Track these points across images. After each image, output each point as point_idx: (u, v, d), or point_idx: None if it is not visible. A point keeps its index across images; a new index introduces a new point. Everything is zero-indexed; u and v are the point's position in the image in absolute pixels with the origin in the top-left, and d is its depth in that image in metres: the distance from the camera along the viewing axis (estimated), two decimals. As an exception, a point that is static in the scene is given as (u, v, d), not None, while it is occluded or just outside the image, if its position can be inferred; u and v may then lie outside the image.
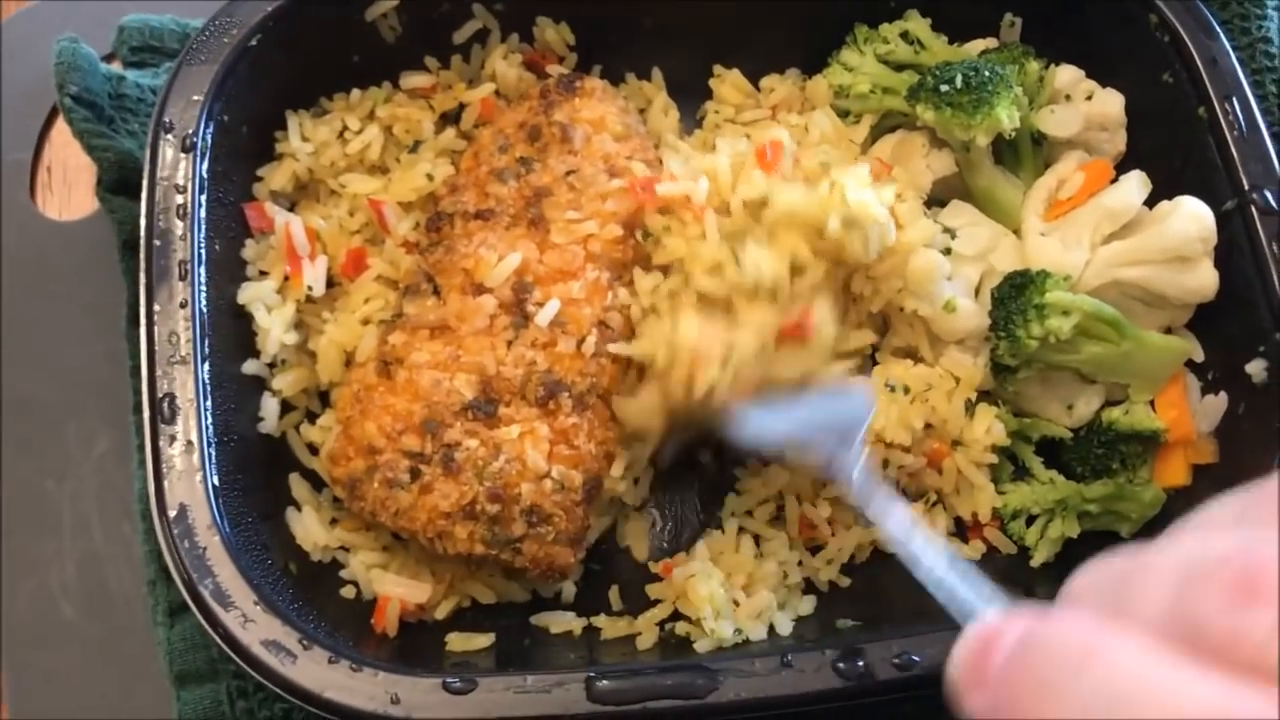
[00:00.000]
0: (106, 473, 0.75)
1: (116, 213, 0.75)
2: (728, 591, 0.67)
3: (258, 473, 0.67)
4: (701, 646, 0.65)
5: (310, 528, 0.67)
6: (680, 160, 0.71)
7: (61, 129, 0.83)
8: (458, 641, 0.66)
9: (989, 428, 0.69)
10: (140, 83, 0.79)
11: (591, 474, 0.65)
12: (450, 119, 0.78)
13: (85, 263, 0.79)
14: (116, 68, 0.81)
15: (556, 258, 0.68)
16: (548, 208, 0.69)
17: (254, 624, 0.58)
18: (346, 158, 0.73)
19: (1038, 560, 0.69)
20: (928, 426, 0.69)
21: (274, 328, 0.69)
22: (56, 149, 0.84)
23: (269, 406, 0.69)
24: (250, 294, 0.69)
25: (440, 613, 0.68)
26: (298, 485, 0.69)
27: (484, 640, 0.66)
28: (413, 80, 0.76)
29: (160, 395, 0.62)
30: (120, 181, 0.75)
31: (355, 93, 0.75)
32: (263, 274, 0.71)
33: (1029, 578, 0.69)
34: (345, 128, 0.74)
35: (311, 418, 0.72)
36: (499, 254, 0.67)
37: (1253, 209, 0.66)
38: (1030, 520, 0.70)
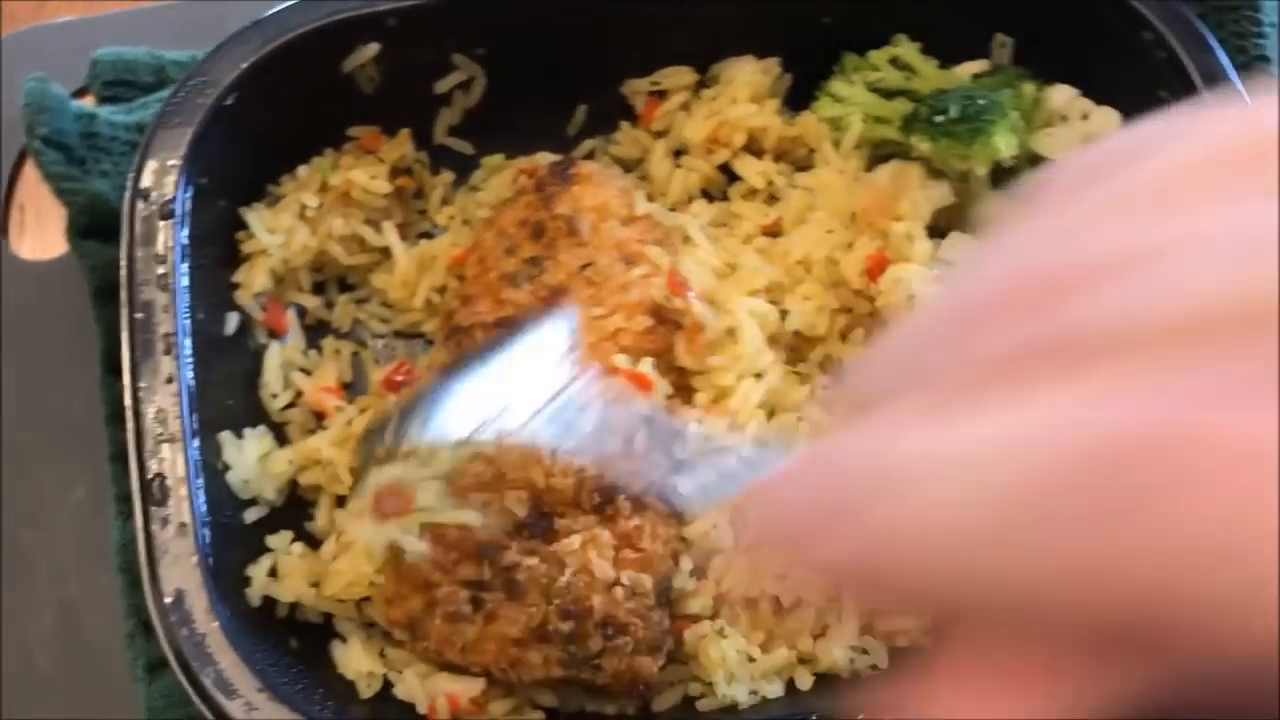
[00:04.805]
0: (83, 520, 0.73)
1: (88, 258, 0.73)
2: (742, 651, 0.64)
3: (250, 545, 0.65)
4: (705, 705, 0.63)
5: (356, 659, 0.64)
6: (694, 260, 0.69)
7: (34, 168, 0.80)
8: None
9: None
10: (113, 120, 0.76)
11: (661, 575, 0.62)
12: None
13: (60, 304, 0.76)
14: (89, 104, 0.78)
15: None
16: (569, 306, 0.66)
17: (258, 711, 0.57)
18: (319, 239, 0.71)
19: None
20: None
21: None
22: (29, 188, 0.81)
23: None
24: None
25: (497, 711, 0.63)
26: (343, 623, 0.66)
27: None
28: (356, 131, 0.74)
29: (150, 476, 0.60)
30: (92, 225, 0.72)
31: (301, 169, 0.73)
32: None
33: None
34: (305, 206, 0.72)
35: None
36: None
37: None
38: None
